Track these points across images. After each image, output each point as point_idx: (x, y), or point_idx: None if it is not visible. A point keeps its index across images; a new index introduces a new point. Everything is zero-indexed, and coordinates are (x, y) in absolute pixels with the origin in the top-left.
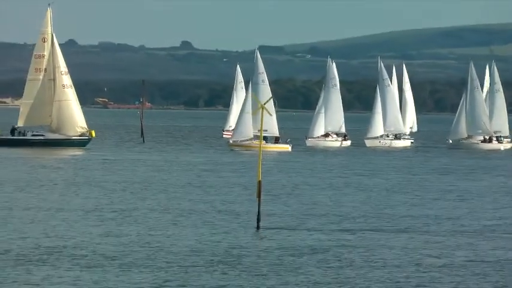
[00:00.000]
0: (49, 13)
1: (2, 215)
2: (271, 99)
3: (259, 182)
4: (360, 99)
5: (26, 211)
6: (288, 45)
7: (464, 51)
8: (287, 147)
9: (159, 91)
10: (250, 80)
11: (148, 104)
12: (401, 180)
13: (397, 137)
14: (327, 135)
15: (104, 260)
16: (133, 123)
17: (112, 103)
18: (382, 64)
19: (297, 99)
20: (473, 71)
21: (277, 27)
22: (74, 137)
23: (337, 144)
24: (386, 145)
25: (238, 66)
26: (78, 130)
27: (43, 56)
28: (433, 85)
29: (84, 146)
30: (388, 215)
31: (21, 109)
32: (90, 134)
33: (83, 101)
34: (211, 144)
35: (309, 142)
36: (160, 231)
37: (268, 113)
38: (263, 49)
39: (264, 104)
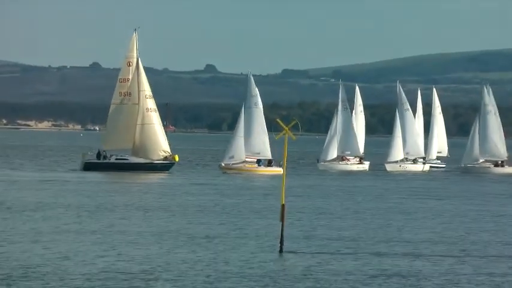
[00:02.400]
0: (135, 38)
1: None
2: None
3: (283, 205)
4: (384, 123)
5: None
6: (312, 69)
7: (489, 75)
8: (280, 171)
9: (182, 114)
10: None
11: (172, 127)
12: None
13: (415, 161)
14: (343, 158)
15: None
16: None
17: None
18: (401, 88)
19: (320, 122)
20: (485, 94)
21: (301, 51)
22: (157, 161)
23: (353, 167)
24: (406, 169)
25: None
26: (161, 154)
27: (128, 80)
28: (457, 109)
29: (168, 170)
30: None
31: (105, 133)
32: (173, 158)
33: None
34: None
35: (321, 166)
36: (180, 254)
37: (292, 137)
38: (287, 73)
39: (288, 127)
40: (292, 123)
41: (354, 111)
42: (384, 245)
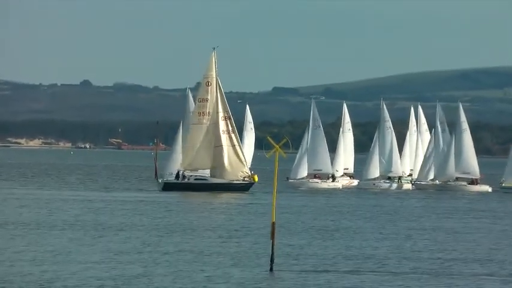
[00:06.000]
0: (214, 57)
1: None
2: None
3: (273, 223)
4: None
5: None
6: (302, 87)
7: (479, 93)
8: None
9: (173, 132)
10: (182, 120)
11: (162, 145)
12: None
13: (400, 179)
14: (315, 176)
15: None
16: (147, 164)
17: (126, 144)
18: (384, 106)
19: None
20: (461, 112)
21: (291, 69)
22: (236, 182)
23: (323, 185)
24: (381, 187)
25: (247, 106)
26: (239, 175)
27: (206, 100)
28: (448, 127)
29: (247, 190)
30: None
31: (183, 153)
32: (253, 178)
33: (97, 141)
34: None
35: (291, 184)
36: (170, 270)
37: (282, 155)
38: (278, 90)
39: (279, 145)
40: (283, 141)
41: (341, 129)
42: (377, 263)
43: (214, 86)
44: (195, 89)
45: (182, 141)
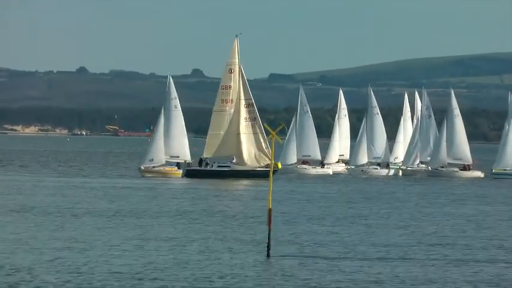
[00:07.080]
0: (236, 44)
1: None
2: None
3: (270, 209)
4: None
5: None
6: (298, 74)
7: (475, 80)
8: None
9: None
10: (163, 105)
11: None
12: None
13: (388, 165)
14: (304, 162)
15: None
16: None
17: (122, 131)
18: (372, 92)
19: None
20: (453, 98)
21: (287, 56)
22: (259, 168)
23: (312, 171)
24: (370, 173)
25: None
26: (262, 162)
27: (229, 87)
28: (443, 114)
29: None
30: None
31: (207, 140)
32: (277, 165)
33: (93, 128)
34: None
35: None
36: (167, 257)
37: (279, 141)
38: (274, 77)
39: (275, 132)
40: (279, 128)
41: (337, 115)
42: (369, 250)
43: (237, 73)
44: (192, 75)
45: (164, 127)
